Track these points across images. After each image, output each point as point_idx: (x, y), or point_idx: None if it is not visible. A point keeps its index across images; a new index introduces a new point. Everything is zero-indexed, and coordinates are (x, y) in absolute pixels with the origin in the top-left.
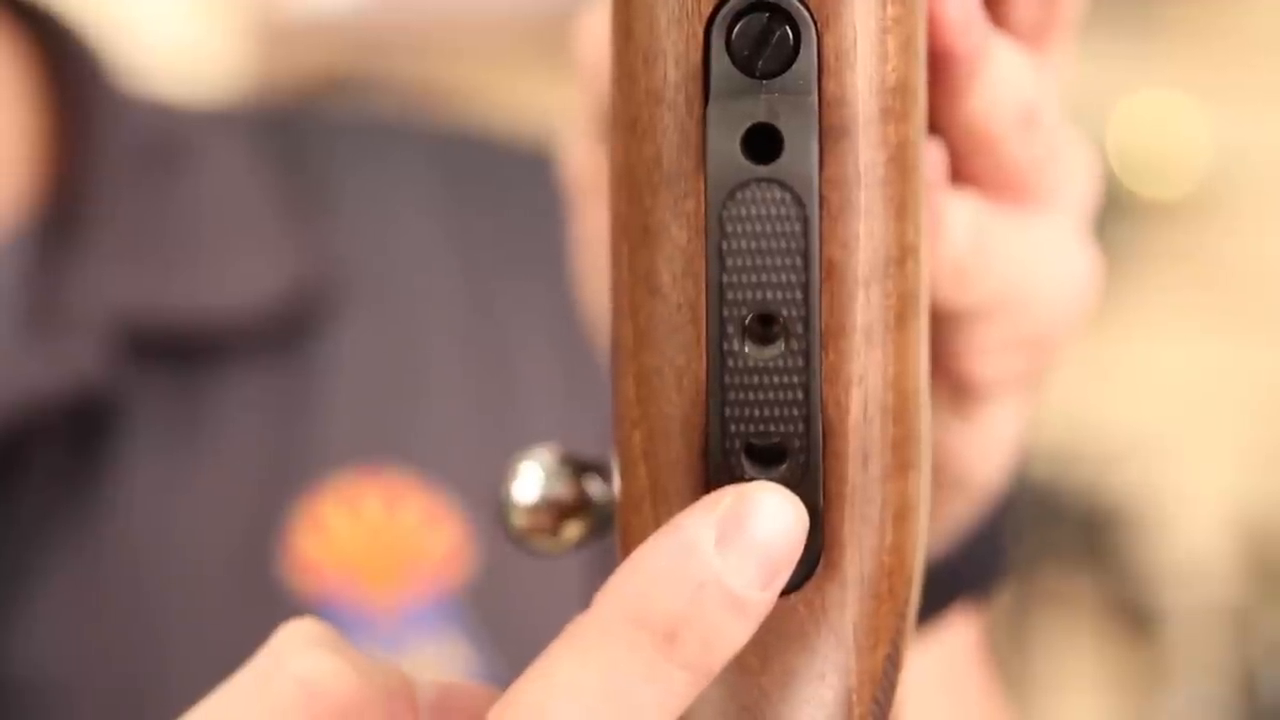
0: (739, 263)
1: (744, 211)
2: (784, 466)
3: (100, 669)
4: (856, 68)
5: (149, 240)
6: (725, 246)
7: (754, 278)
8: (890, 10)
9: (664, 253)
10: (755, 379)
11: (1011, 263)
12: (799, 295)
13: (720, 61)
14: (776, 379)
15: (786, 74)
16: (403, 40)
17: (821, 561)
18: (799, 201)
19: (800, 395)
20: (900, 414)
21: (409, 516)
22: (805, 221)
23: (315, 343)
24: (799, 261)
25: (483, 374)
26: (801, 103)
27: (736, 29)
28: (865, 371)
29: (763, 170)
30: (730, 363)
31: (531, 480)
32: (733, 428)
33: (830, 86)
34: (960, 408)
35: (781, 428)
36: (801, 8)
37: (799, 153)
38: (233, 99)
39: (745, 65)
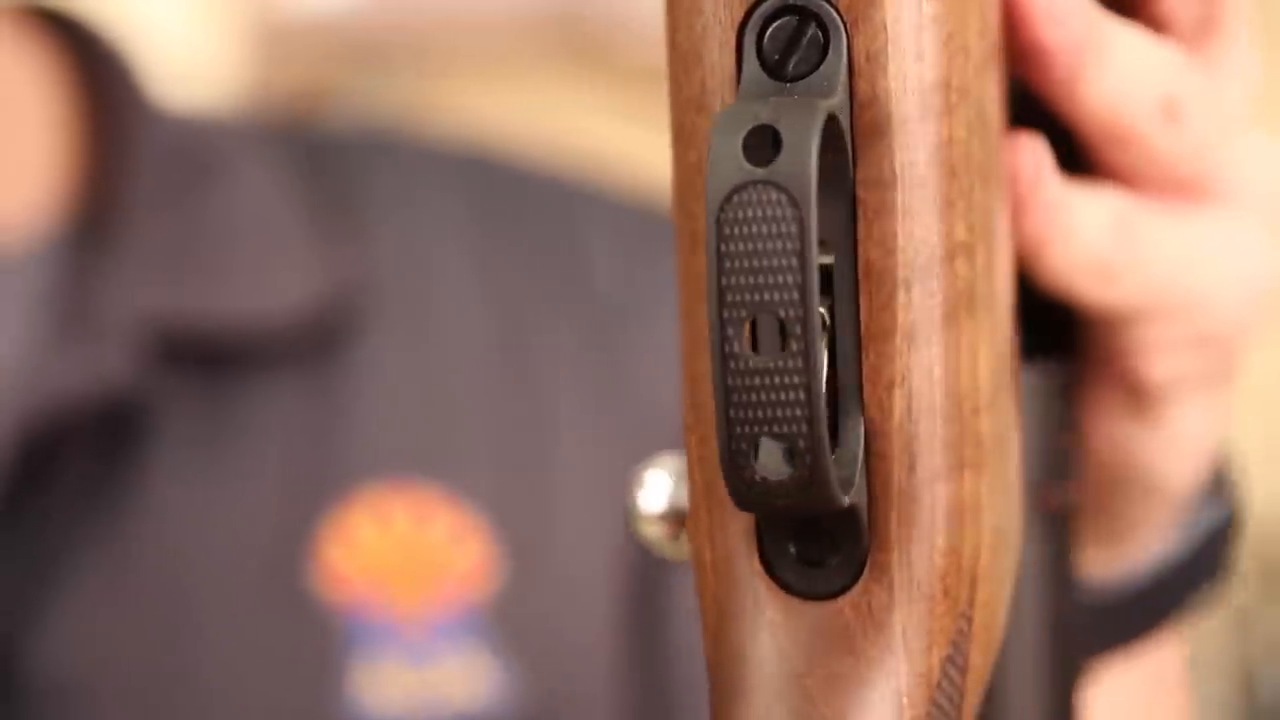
0: (736, 265)
1: (740, 214)
2: (791, 468)
3: (128, 673)
4: (889, 68)
5: (180, 248)
6: (723, 249)
7: (751, 280)
8: (928, 8)
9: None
10: (756, 380)
11: (1168, 260)
12: (796, 297)
13: (750, 66)
14: (777, 380)
15: (813, 76)
16: (400, 41)
17: (868, 564)
18: (794, 203)
19: (801, 396)
20: (951, 415)
21: (436, 531)
22: (801, 223)
23: (345, 355)
24: (795, 263)
25: (510, 389)
26: (806, 104)
27: (768, 34)
28: (908, 372)
29: (760, 173)
30: (731, 365)
31: (658, 489)
32: (738, 430)
33: (862, 87)
34: (1139, 412)
35: (785, 429)
36: (831, 10)
37: (796, 154)
38: (238, 105)
39: (775, 69)
